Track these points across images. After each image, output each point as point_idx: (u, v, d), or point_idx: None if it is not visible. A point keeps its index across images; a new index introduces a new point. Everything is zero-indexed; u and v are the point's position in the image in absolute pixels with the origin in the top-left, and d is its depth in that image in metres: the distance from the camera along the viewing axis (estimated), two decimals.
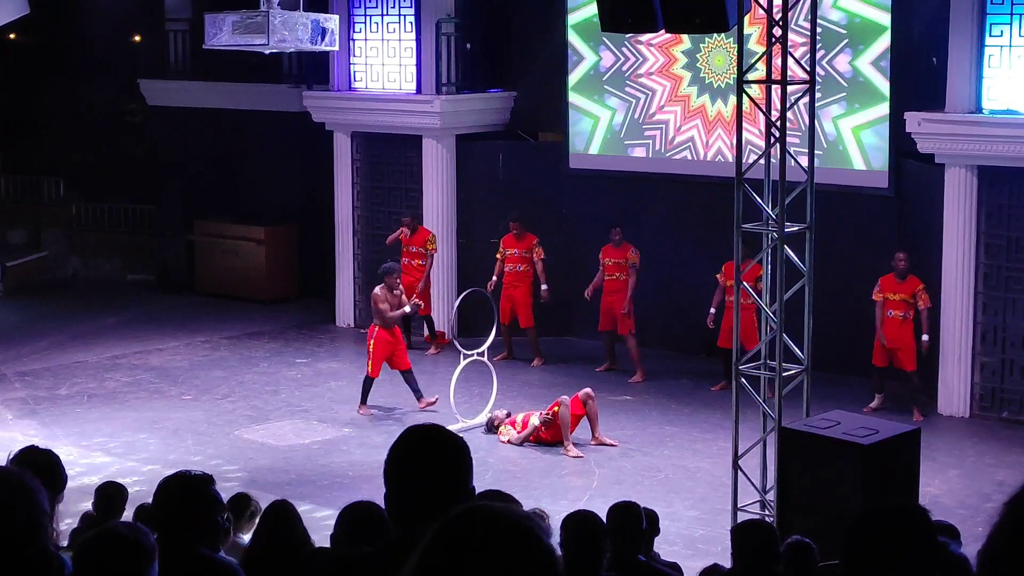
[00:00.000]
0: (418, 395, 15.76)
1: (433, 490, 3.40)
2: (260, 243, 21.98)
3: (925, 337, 15.36)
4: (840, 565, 3.61)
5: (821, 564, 7.39)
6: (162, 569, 4.11)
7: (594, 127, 18.80)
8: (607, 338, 17.55)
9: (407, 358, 15.95)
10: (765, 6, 11.34)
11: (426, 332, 18.85)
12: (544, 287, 17.81)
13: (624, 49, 18.40)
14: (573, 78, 18.84)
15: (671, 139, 18.23)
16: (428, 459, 3.44)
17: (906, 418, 14.69)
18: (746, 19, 11.70)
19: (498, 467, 14.13)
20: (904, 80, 16.43)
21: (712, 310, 16.43)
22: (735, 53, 11.66)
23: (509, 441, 14.76)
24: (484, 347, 15.70)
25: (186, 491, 5.13)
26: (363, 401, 15.84)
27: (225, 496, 8.68)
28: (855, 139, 16.82)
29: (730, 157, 14.52)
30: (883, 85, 16.52)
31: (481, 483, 12.89)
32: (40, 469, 5.29)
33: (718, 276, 16.39)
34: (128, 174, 24.86)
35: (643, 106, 18.38)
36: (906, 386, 15.64)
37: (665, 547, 10.13)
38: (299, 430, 15.41)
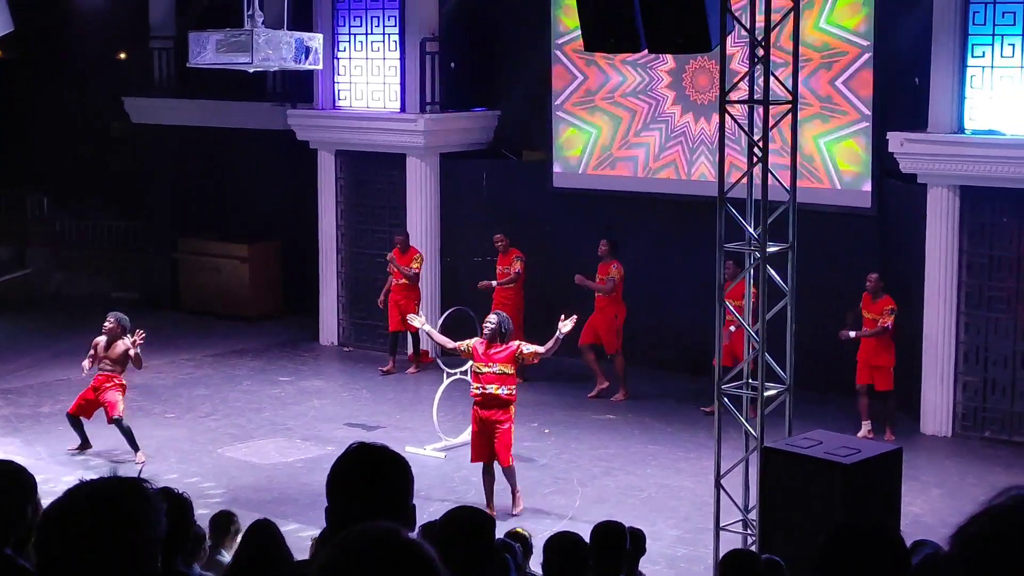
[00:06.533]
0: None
1: (373, 506, 3.48)
2: (244, 261, 21.97)
3: (853, 333, 15.38)
4: None
5: None
6: None
7: (578, 146, 18.84)
8: (586, 352, 17.48)
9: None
10: (748, 26, 11.40)
11: (410, 350, 18.82)
12: (492, 283, 17.82)
13: (608, 68, 18.44)
14: (557, 97, 18.88)
15: (655, 158, 18.27)
16: (369, 476, 3.53)
17: (879, 438, 14.74)
18: (728, 39, 11.73)
19: (482, 485, 14.07)
20: (887, 100, 16.50)
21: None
22: (718, 73, 11.69)
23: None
24: (467, 366, 15.66)
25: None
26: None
27: (207, 514, 8.71)
28: (838, 159, 16.87)
29: (713, 176, 14.53)
30: (866, 105, 16.59)
31: (465, 500, 12.77)
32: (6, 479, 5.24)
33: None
34: (113, 191, 24.86)
35: (627, 125, 18.42)
36: (882, 406, 15.62)
37: (648, 566, 10.11)
38: (282, 448, 15.39)
